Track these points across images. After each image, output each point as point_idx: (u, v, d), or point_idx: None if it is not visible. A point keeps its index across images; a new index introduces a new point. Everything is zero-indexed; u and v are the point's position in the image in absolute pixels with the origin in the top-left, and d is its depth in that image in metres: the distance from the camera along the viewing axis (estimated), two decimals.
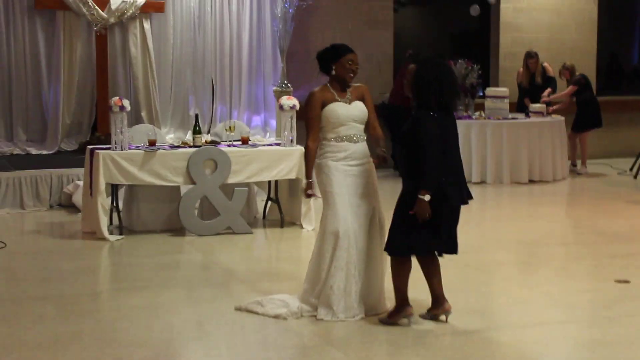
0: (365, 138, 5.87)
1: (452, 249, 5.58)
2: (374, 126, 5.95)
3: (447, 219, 5.46)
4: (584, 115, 13.06)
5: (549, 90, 13.05)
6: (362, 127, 5.85)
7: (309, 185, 5.86)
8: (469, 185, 5.66)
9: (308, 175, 5.87)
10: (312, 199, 8.85)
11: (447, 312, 5.62)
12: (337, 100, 5.79)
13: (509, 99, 12.59)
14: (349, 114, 5.77)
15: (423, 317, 5.69)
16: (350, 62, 5.80)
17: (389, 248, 5.57)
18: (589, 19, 15.17)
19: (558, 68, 13.34)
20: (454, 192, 5.41)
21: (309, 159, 5.83)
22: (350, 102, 5.83)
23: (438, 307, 5.63)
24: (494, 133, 12.08)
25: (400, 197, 5.52)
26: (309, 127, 5.82)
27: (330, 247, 5.72)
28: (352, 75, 5.83)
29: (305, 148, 5.87)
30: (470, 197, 5.60)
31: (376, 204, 5.84)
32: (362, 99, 5.89)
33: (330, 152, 5.77)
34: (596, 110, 13.11)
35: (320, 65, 5.91)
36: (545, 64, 13.26)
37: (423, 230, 5.40)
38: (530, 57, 13.12)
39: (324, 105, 5.77)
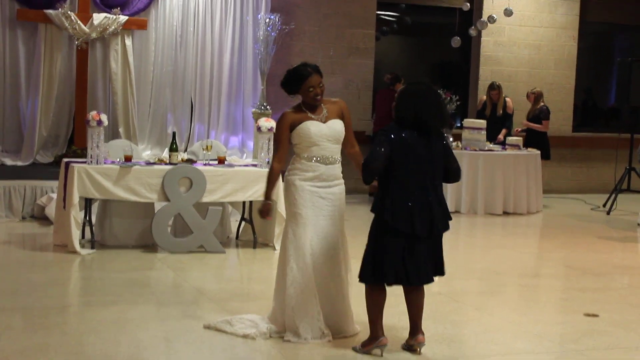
0: (340, 160, 5.82)
1: (413, 279, 5.45)
2: (352, 144, 5.89)
3: (398, 248, 5.35)
4: (536, 146, 13.14)
5: (504, 131, 13.19)
6: (337, 147, 5.77)
7: (266, 207, 5.81)
8: None
9: (267, 196, 5.83)
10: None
11: (419, 344, 5.56)
12: (310, 119, 5.74)
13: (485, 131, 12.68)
14: (322, 133, 5.70)
15: (402, 347, 5.64)
16: (311, 89, 5.70)
17: (359, 275, 5.56)
18: (568, 56, 15.34)
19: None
20: (402, 219, 5.31)
21: (271, 180, 5.80)
22: (325, 119, 5.76)
23: (412, 337, 5.59)
24: (470, 164, 12.15)
25: (371, 224, 5.52)
26: (276, 147, 5.81)
27: (288, 267, 5.71)
28: (319, 98, 5.74)
29: (269, 168, 5.84)
30: (433, 231, 5.42)
31: (342, 226, 5.81)
32: (340, 116, 5.84)
33: (300, 170, 5.73)
34: (547, 143, 13.27)
35: (288, 94, 5.86)
36: (508, 99, 13.43)
37: (376, 258, 5.38)
38: (492, 88, 13.32)
39: (294, 125, 5.71)
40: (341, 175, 5.83)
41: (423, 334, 5.58)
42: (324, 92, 5.78)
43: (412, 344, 5.58)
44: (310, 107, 5.78)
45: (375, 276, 5.44)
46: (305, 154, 5.74)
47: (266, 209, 5.82)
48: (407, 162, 5.32)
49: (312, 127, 5.71)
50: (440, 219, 5.44)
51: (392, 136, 5.32)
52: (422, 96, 5.40)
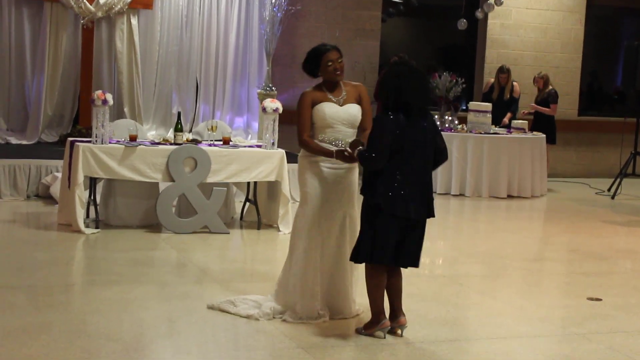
0: None
1: (403, 262, 5.44)
2: (363, 128, 5.80)
3: (395, 230, 5.31)
4: (542, 130, 13.11)
5: (509, 115, 13.19)
6: (351, 131, 5.73)
7: (354, 145, 5.50)
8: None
9: (328, 154, 5.61)
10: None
11: (402, 326, 5.53)
12: (328, 100, 5.71)
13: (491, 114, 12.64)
14: (337, 115, 5.68)
15: None
16: (330, 63, 5.69)
17: (351, 255, 5.56)
18: (574, 39, 15.28)
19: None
20: (398, 204, 5.26)
21: (315, 147, 5.65)
22: (343, 102, 5.73)
23: (393, 320, 5.54)
24: (475, 147, 12.14)
25: (362, 206, 5.49)
26: (301, 126, 5.71)
27: (295, 246, 5.74)
28: (338, 73, 5.71)
29: (302, 144, 5.70)
30: (429, 215, 5.43)
31: (350, 209, 5.78)
32: (358, 100, 5.80)
33: None
34: (554, 127, 13.26)
35: (309, 74, 5.84)
36: (515, 84, 13.40)
37: (371, 240, 5.34)
38: (502, 72, 13.27)
39: (314, 104, 5.70)
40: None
41: (404, 315, 5.56)
42: (343, 69, 5.75)
43: (394, 326, 5.52)
44: (330, 86, 5.76)
45: (367, 257, 5.40)
46: (319, 135, 5.72)
47: (353, 147, 5.49)
48: (402, 146, 5.26)
49: (327, 109, 5.69)
50: (432, 202, 5.44)
51: (390, 123, 5.28)
52: (405, 78, 5.33)
